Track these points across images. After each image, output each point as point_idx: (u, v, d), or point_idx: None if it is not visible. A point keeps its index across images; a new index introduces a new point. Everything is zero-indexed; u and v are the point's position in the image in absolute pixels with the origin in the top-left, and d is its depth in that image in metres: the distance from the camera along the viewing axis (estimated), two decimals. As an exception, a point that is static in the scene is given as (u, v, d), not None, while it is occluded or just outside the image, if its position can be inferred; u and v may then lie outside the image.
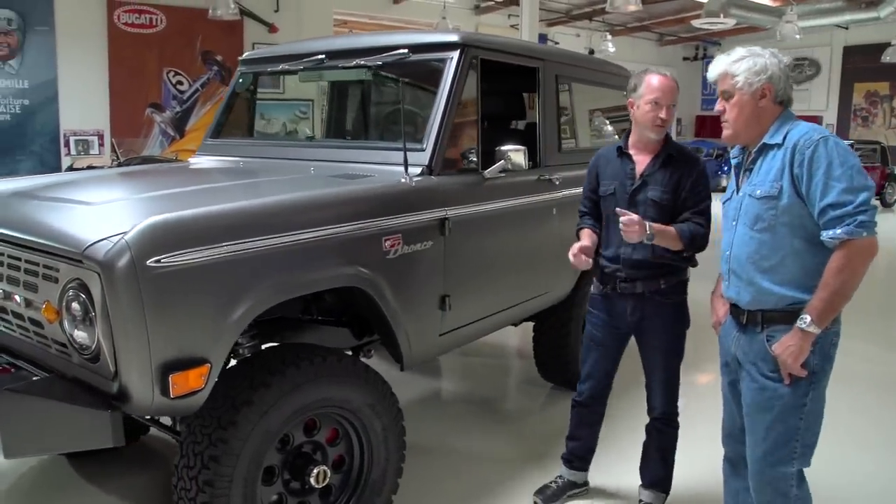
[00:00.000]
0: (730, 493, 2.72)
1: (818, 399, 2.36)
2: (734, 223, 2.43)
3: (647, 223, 2.83)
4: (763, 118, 2.36)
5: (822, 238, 2.21)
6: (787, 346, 2.27)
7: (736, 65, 2.35)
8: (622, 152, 3.11)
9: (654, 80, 2.96)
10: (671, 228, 2.91)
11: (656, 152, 3.04)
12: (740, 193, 2.43)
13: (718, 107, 2.43)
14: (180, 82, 11.19)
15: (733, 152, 2.56)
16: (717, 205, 2.70)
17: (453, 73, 3.34)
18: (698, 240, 2.95)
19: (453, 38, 3.44)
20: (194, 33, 11.09)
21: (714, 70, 2.42)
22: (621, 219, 2.80)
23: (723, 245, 2.51)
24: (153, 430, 3.70)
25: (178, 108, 11.20)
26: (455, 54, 3.38)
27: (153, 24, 10.78)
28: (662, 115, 2.95)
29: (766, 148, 2.35)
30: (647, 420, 3.27)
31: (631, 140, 3.11)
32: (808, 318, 2.22)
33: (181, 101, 11.22)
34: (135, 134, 10.83)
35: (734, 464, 2.65)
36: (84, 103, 10.29)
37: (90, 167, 7.31)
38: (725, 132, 2.44)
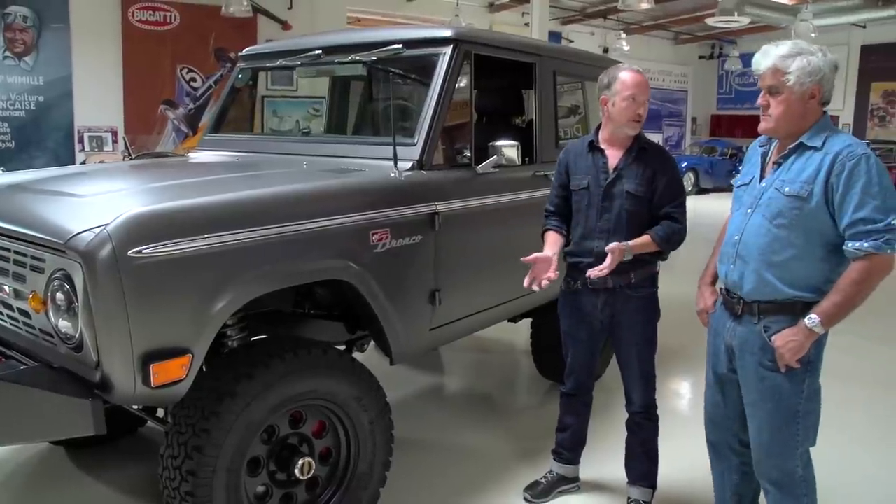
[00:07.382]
0: (717, 473, 2.82)
1: (814, 381, 2.43)
2: (749, 211, 2.43)
3: (623, 244, 2.86)
4: (807, 118, 2.35)
5: (845, 248, 2.25)
6: (789, 341, 2.32)
7: (787, 61, 2.30)
8: (594, 146, 3.10)
9: (628, 76, 2.96)
10: (646, 237, 2.94)
11: (628, 146, 3.04)
12: (763, 184, 2.43)
13: (761, 100, 2.39)
14: (194, 79, 11.27)
15: (760, 140, 2.54)
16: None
17: (446, 68, 3.34)
18: (675, 237, 2.98)
19: (446, 33, 3.44)
20: (208, 30, 11.16)
21: (763, 63, 2.35)
22: (592, 274, 2.88)
23: (730, 229, 2.52)
24: (150, 423, 3.74)
25: (191, 104, 11.29)
26: (448, 49, 3.38)
27: (167, 21, 10.87)
28: (641, 111, 2.96)
29: (803, 148, 2.35)
30: None
31: (602, 135, 3.10)
32: (816, 318, 2.28)
33: (194, 97, 11.31)
34: (148, 130, 10.91)
35: (717, 448, 2.75)
36: (98, 100, 10.40)
37: (101, 163, 7.38)
38: (765, 125, 2.40)
